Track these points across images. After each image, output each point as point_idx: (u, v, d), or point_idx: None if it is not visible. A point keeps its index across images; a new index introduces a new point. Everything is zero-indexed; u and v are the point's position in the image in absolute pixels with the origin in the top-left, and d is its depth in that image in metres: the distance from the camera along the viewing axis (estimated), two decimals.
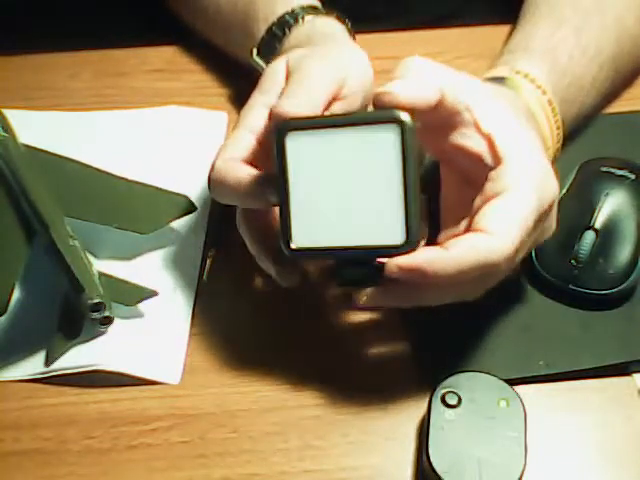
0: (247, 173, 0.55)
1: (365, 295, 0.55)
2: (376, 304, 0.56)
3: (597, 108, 0.72)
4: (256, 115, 0.57)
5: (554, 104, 0.64)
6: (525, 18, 0.72)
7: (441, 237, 0.57)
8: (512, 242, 0.52)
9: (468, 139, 0.55)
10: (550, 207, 0.55)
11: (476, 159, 0.54)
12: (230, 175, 0.55)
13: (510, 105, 0.58)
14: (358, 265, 0.53)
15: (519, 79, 0.64)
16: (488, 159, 0.54)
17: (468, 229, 0.53)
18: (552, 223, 0.57)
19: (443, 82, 0.53)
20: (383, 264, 0.52)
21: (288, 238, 0.53)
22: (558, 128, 0.65)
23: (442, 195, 0.59)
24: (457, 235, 0.53)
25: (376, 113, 0.52)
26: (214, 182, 0.56)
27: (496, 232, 0.52)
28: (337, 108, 0.57)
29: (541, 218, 0.54)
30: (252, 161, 0.56)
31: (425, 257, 0.52)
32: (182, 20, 0.80)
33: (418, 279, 0.52)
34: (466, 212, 0.55)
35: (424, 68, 0.54)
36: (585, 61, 0.68)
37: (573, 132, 0.69)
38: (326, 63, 0.58)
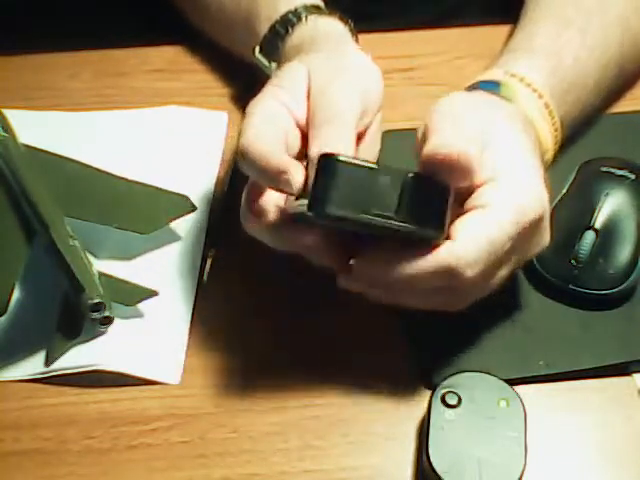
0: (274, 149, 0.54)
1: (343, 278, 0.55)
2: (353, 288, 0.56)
3: (601, 108, 0.72)
4: (269, 105, 0.56)
5: (551, 107, 0.64)
6: (527, 17, 0.72)
7: None
8: (474, 249, 0.52)
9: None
10: (536, 222, 0.55)
11: (467, 172, 0.54)
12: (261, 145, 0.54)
13: (507, 116, 0.58)
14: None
15: (514, 83, 0.64)
16: (478, 175, 0.54)
17: None
18: (544, 237, 0.58)
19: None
20: None
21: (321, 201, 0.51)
22: (556, 130, 0.65)
23: None
24: None
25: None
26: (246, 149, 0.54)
27: (459, 238, 0.53)
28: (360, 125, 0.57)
29: (521, 236, 0.54)
30: None
31: (384, 259, 0.53)
32: (187, 18, 0.80)
33: (377, 278, 0.53)
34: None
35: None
36: (590, 62, 0.68)
37: (575, 132, 0.69)
38: (351, 91, 0.57)
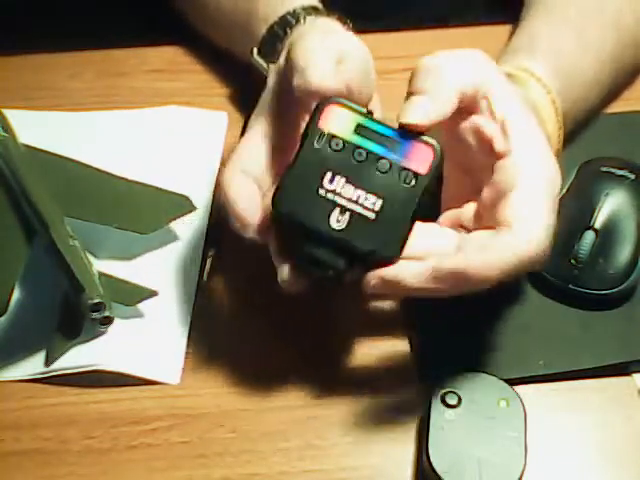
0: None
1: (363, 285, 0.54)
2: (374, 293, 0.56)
3: (599, 108, 0.72)
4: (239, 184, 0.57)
5: (557, 104, 0.64)
6: (527, 18, 0.72)
7: (441, 219, 0.57)
8: (542, 231, 0.52)
9: (482, 125, 0.55)
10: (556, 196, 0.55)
11: (486, 144, 0.55)
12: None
13: (518, 93, 0.58)
14: (330, 249, 0.53)
15: (526, 76, 0.64)
16: (499, 145, 0.54)
17: (480, 222, 0.54)
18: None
19: (462, 80, 0.54)
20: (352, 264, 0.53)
21: (277, 198, 0.53)
22: (560, 128, 0.65)
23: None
24: (459, 216, 0.55)
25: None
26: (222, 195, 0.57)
27: (524, 225, 0.52)
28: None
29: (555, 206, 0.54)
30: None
31: (467, 260, 0.52)
32: (185, 20, 0.80)
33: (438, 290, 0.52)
34: (463, 197, 0.56)
35: (442, 71, 0.54)
36: (588, 61, 0.68)
37: (576, 132, 0.69)
38: (324, 37, 0.58)
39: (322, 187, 0.53)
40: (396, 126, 0.54)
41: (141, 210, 0.67)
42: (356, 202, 0.53)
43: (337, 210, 0.53)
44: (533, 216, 0.53)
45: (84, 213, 0.65)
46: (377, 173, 0.53)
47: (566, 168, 0.66)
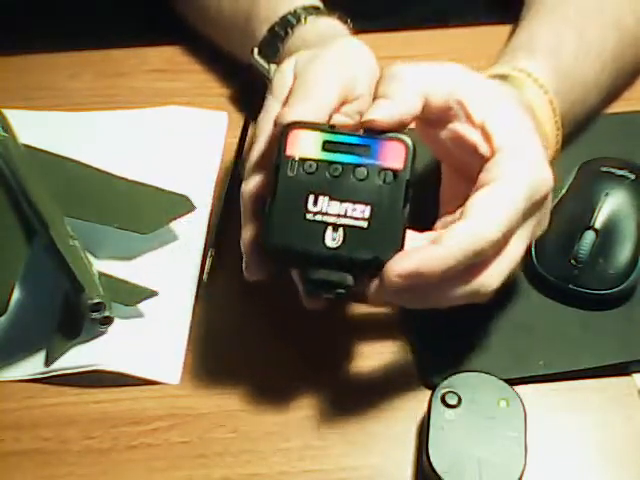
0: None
1: (370, 295, 0.54)
2: (382, 305, 0.56)
3: (599, 108, 0.72)
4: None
5: (555, 104, 0.64)
6: (527, 17, 0.72)
7: (437, 224, 0.57)
8: (498, 227, 0.52)
9: (462, 131, 0.56)
10: (544, 198, 0.55)
11: (471, 150, 0.55)
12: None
13: (511, 96, 0.58)
14: (330, 269, 0.53)
15: (522, 77, 0.64)
16: (483, 149, 0.55)
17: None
18: (546, 218, 0.58)
19: (427, 85, 0.55)
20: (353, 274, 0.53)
21: (267, 235, 0.53)
22: (558, 129, 0.65)
23: (441, 188, 0.60)
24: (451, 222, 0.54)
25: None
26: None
27: (481, 218, 0.52)
28: (349, 110, 0.57)
29: (534, 207, 0.54)
30: None
31: (418, 258, 0.52)
32: (186, 20, 0.80)
33: (417, 283, 0.52)
34: (461, 202, 0.55)
35: (405, 75, 0.55)
36: (588, 62, 0.68)
37: (575, 133, 0.69)
38: (333, 66, 0.57)
39: (308, 212, 0.53)
40: (361, 133, 0.54)
41: (141, 210, 0.67)
42: (345, 216, 0.53)
43: (329, 229, 0.52)
44: (492, 210, 0.52)
45: (84, 213, 0.65)
46: (357, 182, 0.53)
47: (566, 168, 0.66)
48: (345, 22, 0.68)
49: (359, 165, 0.53)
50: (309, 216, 0.53)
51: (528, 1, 0.74)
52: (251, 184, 0.55)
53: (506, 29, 0.77)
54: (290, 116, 0.54)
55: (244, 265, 0.56)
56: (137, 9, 0.86)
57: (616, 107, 0.74)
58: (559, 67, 0.66)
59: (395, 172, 0.53)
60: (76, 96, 0.77)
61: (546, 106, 0.64)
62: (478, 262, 0.53)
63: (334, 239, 0.52)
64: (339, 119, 0.56)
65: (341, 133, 0.54)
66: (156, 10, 0.82)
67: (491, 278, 0.54)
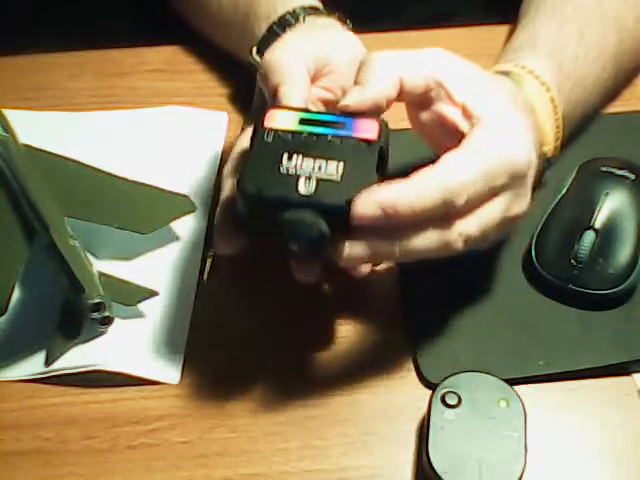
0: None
1: (344, 250, 0.54)
2: (359, 260, 0.55)
3: (599, 108, 0.72)
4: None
5: (556, 102, 0.64)
6: (528, 16, 0.72)
7: None
8: (469, 168, 0.53)
9: (443, 111, 0.57)
10: (519, 173, 0.55)
11: (453, 130, 0.56)
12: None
13: (506, 89, 0.59)
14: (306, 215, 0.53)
15: (524, 74, 0.64)
16: (463, 126, 0.56)
17: None
18: (527, 196, 0.58)
19: (401, 68, 0.56)
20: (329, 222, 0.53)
21: (243, 181, 0.54)
22: (557, 127, 0.65)
23: None
24: None
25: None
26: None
27: (451, 160, 0.53)
28: (329, 84, 0.60)
29: (509, 180, 0.55)
30: None
31: (385, 191, 0.52)
32: (185, 20, 0.80)
33: (384, 218, 0.52)
34: None
35: (378, 61, 0.56)
36: (589, 61, 0.68)
37: (575, 133, 0.69)
38: (293, 45, 0.60)
39: (282, 166, 0.54)
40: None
41: (141, 210, 0.67)
42: (319, 170, 0.53)
43: (302, 179, 0.53)
44: (461, 154, 0.54)
45: (84, 213, 0.65)
46: (331, 145, 0.54)
47: (566, 168, 0.66)
48: (344, 22, 0.68)
49: (334, 135, 0.54)
50: (282, 169, 0.54)
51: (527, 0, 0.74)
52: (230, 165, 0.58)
53: (505, 29, 0.77)
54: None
55: (215, 239, 0.57)
56: (137, 9, 0.86)
57: (616, 107, 0.74)
58: (561, 67, 0.66)
59: (369, 141, 0.54)
60: (76, 96, 0.77)
61: (547, 104, 0.64)
62: (450, 213, 0.54)
63: (307, 187, 0.53)
64: (321, 93, 0.60)
65: (318, 113, 0.56)
66: (156, 10, 0.82)
67: (465, 226, 0.54)
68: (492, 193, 0.55)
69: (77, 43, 0.80)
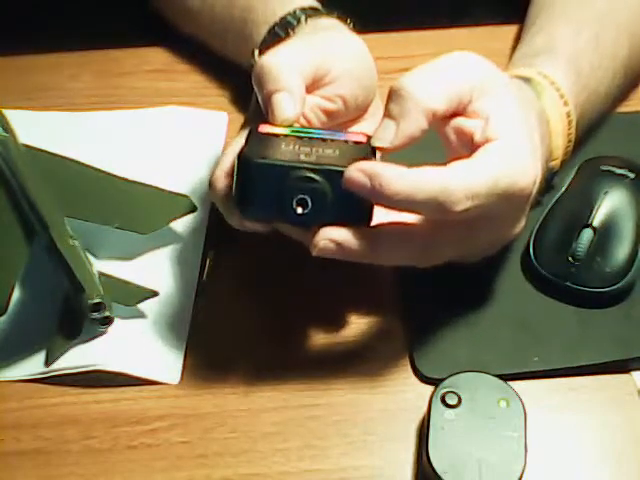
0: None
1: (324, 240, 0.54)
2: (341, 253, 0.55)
3: (606, 114, 0.71)
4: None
5: (572, 116, 0.64)
6: (541, 18, 0.71)
7: None
8: (465, 184, 0.53)
9: (462, 125, 0.56)
10: (522, 192, 0.55)
11: (469, 139, 0.56)
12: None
13: (524, 99, 0.59)
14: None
15: (546, 84, 0.64)
16: (478, 137, 0.55)
17: None
18: (522, 219, 0.58)
19: (433, 100, 0.55)
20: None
21: (247, 152, 0.55)
22: (570, 141, 0.65)
23: None
24: None
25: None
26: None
27: (452, 170, 0.53)
28: (328, 93, 0.60)
29: (509, 197, 0.54)
30: None
31: (383, 167, 0.53)
32: (167, 20, 0.80)
33: (374, 190, 0.52)
34: None
35: (411, 92, 0.55)
36: (602, 69, 0.68)
37: (582, 139, 0.69)
38: (287, 52, 0.59)
39: (281, 148, 0.55)
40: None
41: (141, 210, 0.67)
42: (317, 151, 0.55)
43: (303, 152, 0.55)
44: (464, 170, 0.53)
45: (84, 213, 0.65)
46: (326, 141, 0.57)
47: (567, 167, 0.66)
48: (345, 22, 0.68)
49: (327, 137, 0.57)
50: (283, 149, 0.55)
51: (535, 1, 0.74)
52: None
53: (507, 29, 0.77)
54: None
55: (227, 215, 0.57)
56: (137, 9, 0.86)
57: (618, 107, 0.74)
58: (580, 76, 0.66)
59: (360, 143, 0.57)
60: (76, 96, 0.78)
61: (563, 118, 0.64)
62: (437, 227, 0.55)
63: (307, 156, 0.55)
64: (322, 103, 0.60)
65: (307, 128, 0.59)
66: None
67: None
68: (488, 212, 0.54)
69: (77, 43, 0.80)
